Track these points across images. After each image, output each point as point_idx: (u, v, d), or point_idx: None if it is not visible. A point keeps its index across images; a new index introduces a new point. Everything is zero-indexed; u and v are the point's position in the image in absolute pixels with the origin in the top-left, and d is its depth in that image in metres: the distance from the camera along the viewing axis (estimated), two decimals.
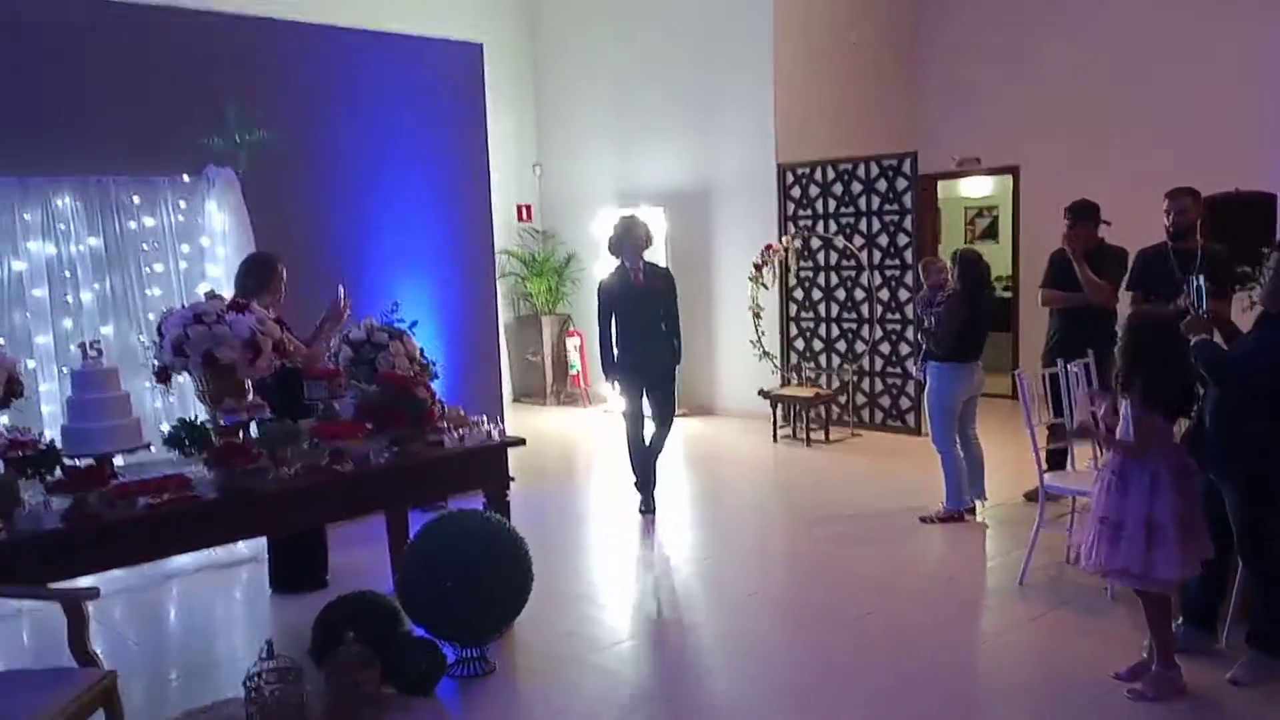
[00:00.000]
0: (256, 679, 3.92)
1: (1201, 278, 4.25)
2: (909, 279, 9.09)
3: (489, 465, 5.01)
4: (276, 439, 4.29)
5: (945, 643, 4.74)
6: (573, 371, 11.68)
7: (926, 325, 6.72)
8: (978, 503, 6.59)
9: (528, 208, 12.02)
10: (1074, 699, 4.06)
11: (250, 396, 4.48)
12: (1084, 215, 6.48)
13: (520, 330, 11.89)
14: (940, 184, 11.74)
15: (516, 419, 10.70)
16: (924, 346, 6.77)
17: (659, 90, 10.86)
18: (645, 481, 7.03)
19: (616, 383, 6.84)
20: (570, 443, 9.89)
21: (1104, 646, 4.42)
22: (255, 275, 5.32)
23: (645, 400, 6.91)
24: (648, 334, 6.73)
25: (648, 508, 6.96)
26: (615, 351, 6.74)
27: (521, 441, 5.19)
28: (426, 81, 7.37)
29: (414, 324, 5.37)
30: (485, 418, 5.14)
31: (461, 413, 5.18)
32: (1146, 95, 9.56)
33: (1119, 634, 4.29)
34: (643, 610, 5.38)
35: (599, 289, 6.84)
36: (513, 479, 5.15)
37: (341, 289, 5.50)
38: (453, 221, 7.51)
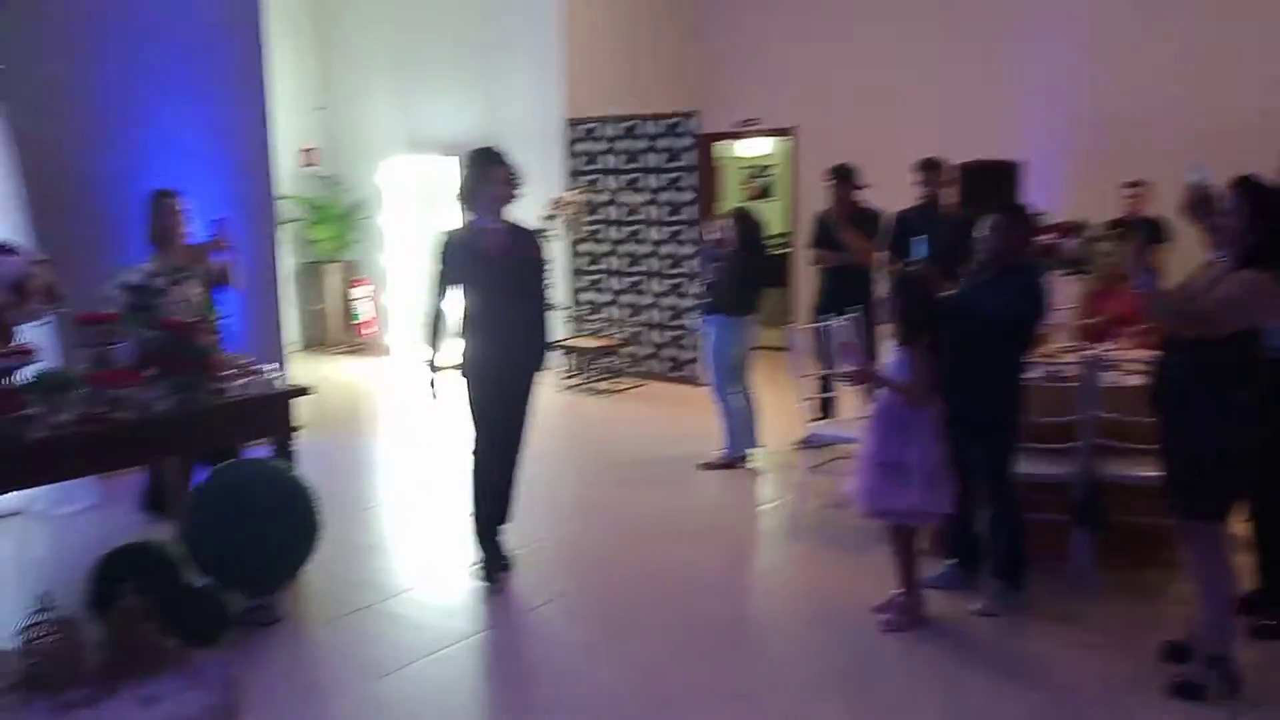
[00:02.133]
0: (31, 630, 3.83)
1: (923, 239, 4.72)
2: (691, 235, 9.40)
3: (273, 413, 4.97)
4: (49, 386, 4.14)
5: (719, 580, 5.06)
6: (356, 320, 11.48)
7: (707, 279, 7.01)
8: (750, 451, 6.96)
9: (313, 152, 11.69)
10: (836, 630, 4.42)
11: (16, 341, 4.30)
12: (843, 176, 6.93)
13: (306, 278, 11.60)
14: (719, 144, 12.12)
15: (304, 368, 10.48)
16: (706, 300, 7.06)
17: (448, 36, 10.73)
18: (492, 536, 5.07)
19: (466, 388, 4.88)
20: (358, 393, 9.78)
21: (867, 582, 4.79)
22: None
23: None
24: (507, 321, 4.74)
25: (494, 574, 4.99)
26: (462, 344, 4.83)
27: (305, 391, 5.16)
28: (202, 15, 7.09)
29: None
30: (267, 366, 5.08)
31: (246, 360, 5.10)
32: (917, 67, 10.11)
33: (881, 570, 4.67)
34: (432, 558, 5.46)
35: (438, 251, 4.77)
36: (299, 428, 5.12)
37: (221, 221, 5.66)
38: (231, 162, 7.28)
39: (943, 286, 4.65)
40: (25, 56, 5.73)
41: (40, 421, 4.09)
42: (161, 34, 6.79)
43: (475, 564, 5.02)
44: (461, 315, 4.79)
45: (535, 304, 4.90)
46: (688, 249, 9.47)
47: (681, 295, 9.64)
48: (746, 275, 6.72)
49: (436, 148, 10.66)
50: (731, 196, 13.67)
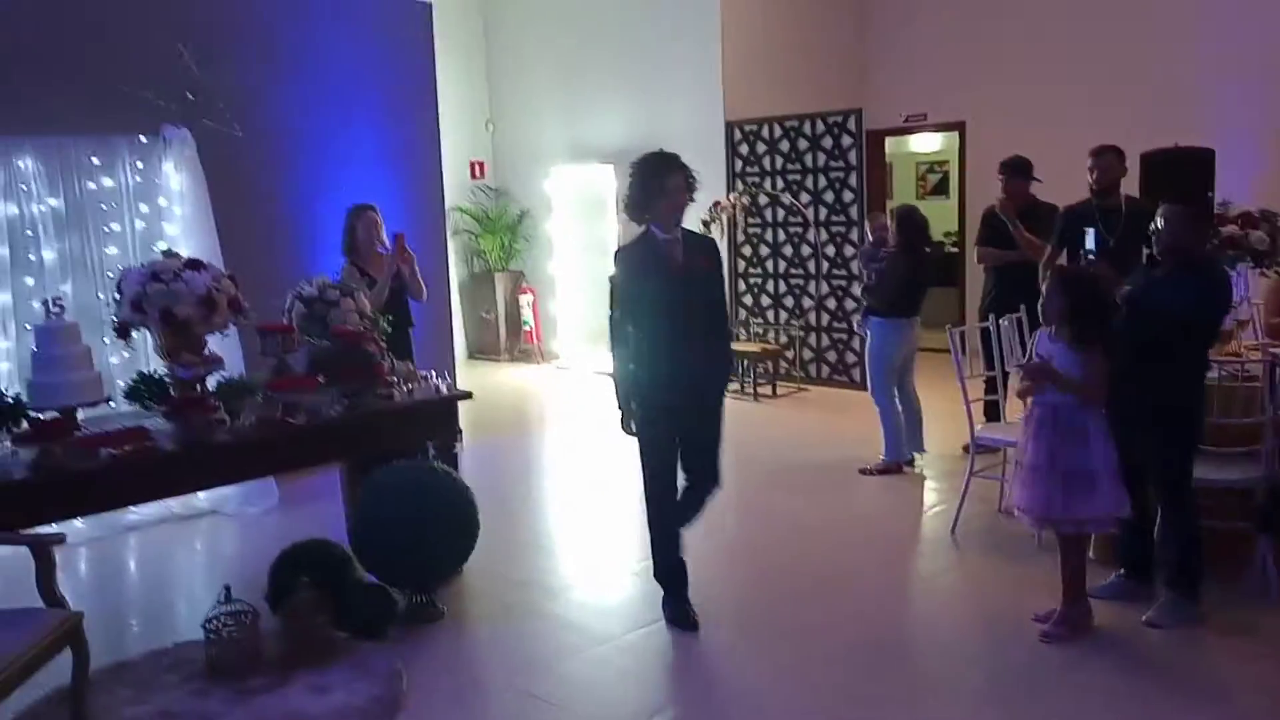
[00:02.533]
0: (215, 622, 4.11)
1: (1093, 230, 4.52)
2: (855, 235, 9.29)
3: (437, 418, 5.17)
4: (232, 392, 4.43)
5: (877, 586, 5.00)
6: (526, 328, 11.81)
7: (867, 281, 6.93)
8: (916, 455, 6.84)
9: (480, 165, 12.08)
10: (999, 639, 4.31)
11: (205, 351, 4.61)
12: (1017, 172, 6.68)
13: (474, 288, 11.99)
14: (892, 140, 11.96)
15: (471, 375, 10.85)
16: (865, 302, 6.98)
17: (609, 47, 10.93)
18: (677, 577, 4.59)
19: (635, 423, 4.41)
20: (523, 398, 10.07)
21: (1030, 590, 4.65)
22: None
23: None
24: (688, 342, 4.24)
25: (685, 618, 4.50)
26: (630, 370, 4.36)
27: (468, 395, 5.36)
28: (377, 40, 7.45)
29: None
30: (434, 373, 5.29)
31: (411, 367, 5.33)
32: (1090, 53, 9.76)
33: (1044, 579, 4.52)
34: (592, 558, 5.58)
35: (618, 270, 4.39)
36: (460, 432, 5.32)
37: (400, 235, 5.92)
38: (404, 179, 7.61)
39: (1115, 281, 4.46)
40: (212, 84, 6.13)
41: (224, 425, 4.38)
42: (338, 57, 7.15)
43: (668, 614, 4.55)
44: (630, 337, 4.31)
45: (718, 322, 4.49)
46: (850, 250, 9.36)
47: (844, 297, 9.54)
48: (908, 276, 6.61)
49: (598, 156, 10.87)
50: (905, 194, 13.47)
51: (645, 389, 4.29)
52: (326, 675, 4.08)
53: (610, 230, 10.81)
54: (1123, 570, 4.62)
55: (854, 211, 9.35)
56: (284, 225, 6.76)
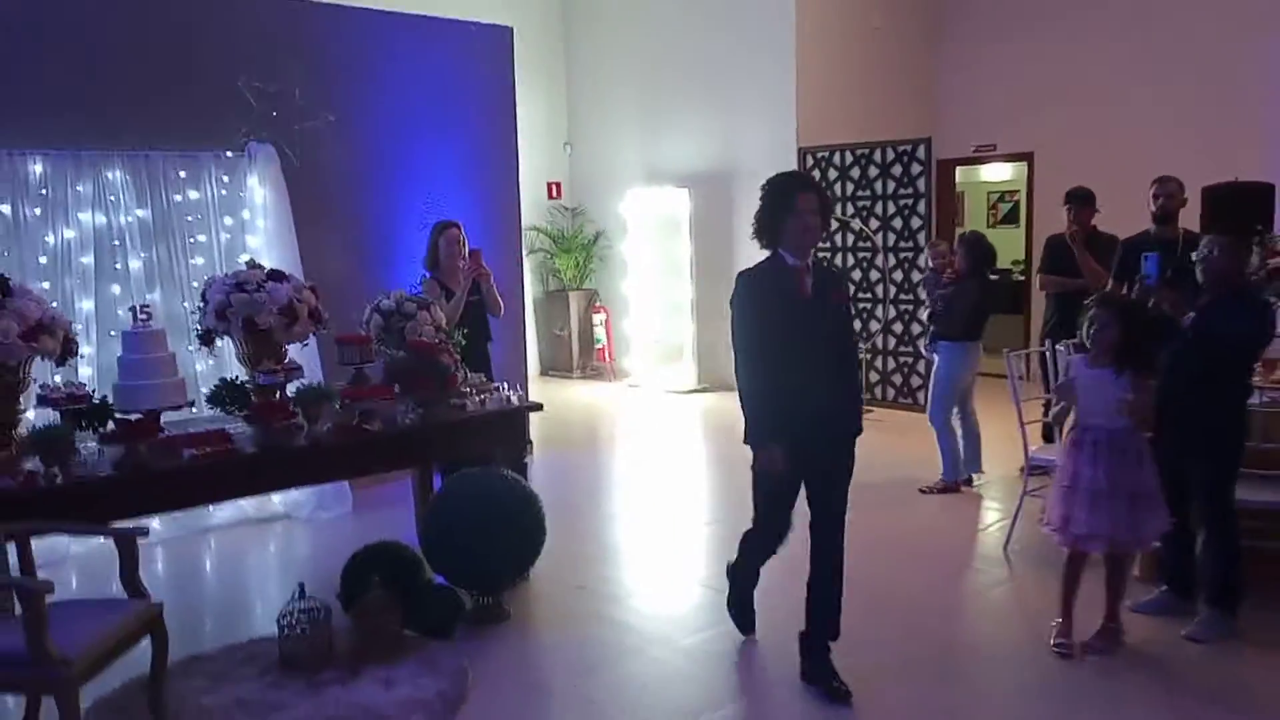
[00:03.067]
0: (289, 618, 4.30)
1: (1155, 256, 4.60)
2: (922, 261, 9.30)
3: (507, 428, 5.33)
4: (310, 399, 4.63)
5: (931, 600, 5.07)
6: (598, 346, 11.99)
7: (933, 306, 6.98)
8: (975, 475, 6.86)
9: (557, 185, 12.32)
10: (1045, 653, 4.36)
11: (286, 360, 4.82)
12: (1083, 202, 6.73)
13: (548, 305, 12.22)
14: (964, 169, 11.98)
15: (543, 391, 10.99)
16: (930, 327, 7.04)
17: (684, 72, 11.11)
18: (746, 613, 4.64)
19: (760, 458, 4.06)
20: (594, 414, 10.23)
21: (1078, 606, 4.66)
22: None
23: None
24: (817, 373, 3.94)
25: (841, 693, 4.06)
26: (752, 406, 4.02)
27: (539, 407, 5.52)
28: (458, 63, 7.68)
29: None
30: (505, 384, 5.46)
31: (484, 379, 5.51)
32: (1156, 85, 9.74)
33: (1087, 595, 4.55)
34: (655, 567, 5.71)
35: (740, 294, 4.01)
36: (530, 443, 5.48)
37: (477, 251, 6.17)
38: (482, 199, 7.83)
39: (1179, 309, 4.52)
40: (297, 105, 6.41)
41: (301, 430, 4.58)
42: (422, 79, 7.41)
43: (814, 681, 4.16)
44: (753, 369, 3.98)
45: (848, 355, 4.20)
46: (917, 275, 9.38)
47: (910, 321, 9.56)
48: (976, 301, 6.67)
49: (673, 180, 11.03)
50: (974, 221, 13.48)
51: (766, 422, 3.98)
52: (395, 671, 4.24)
53: (684, 252, 10.96)
54: (1165, 586, 4.71)
55: (922, 238, 9.39)
56: (366, 240, 7.00)
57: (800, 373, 3.90)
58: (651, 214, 11.28)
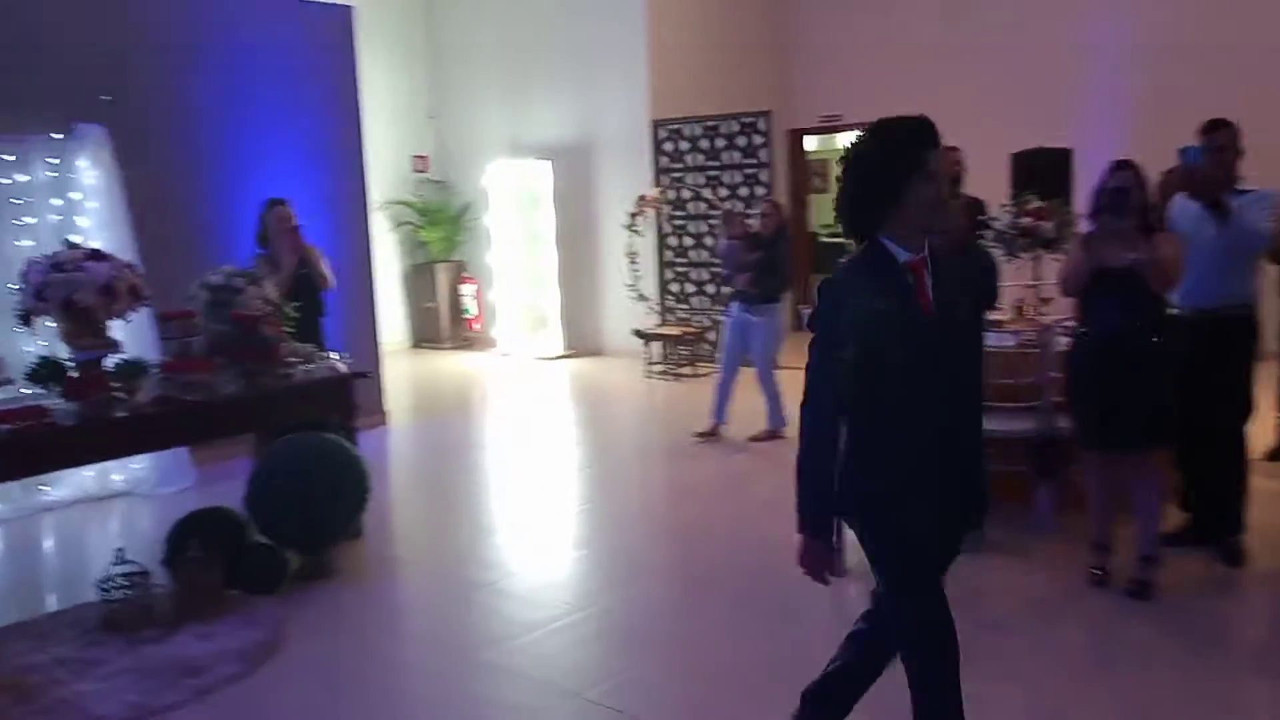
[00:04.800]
0: (109, 582, 4.51)
1: None
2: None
3: (334, 395, 5.54)
4: (128, 372, 4.81)
5: (759, 534, 5.49)
6: (468, 316, 12.21)
7: (747, 270, 7.34)
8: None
9: (424, 158, 12.44)
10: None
11: (106, 336, 4.98)
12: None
13: (417, 278, 12.38)
14: (824, 138, 12.43)
15: (414, 362, 11.35)
16: (751, 290, 7.36)
17: (546, 44, 11.33)
18: None
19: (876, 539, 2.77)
20: (463, 383, 10.50)
21: None
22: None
23: None
24: (952, 423, 2.71)
25: None
26: (853, 472, 2.69)
27: (364, 374, 5.80)
28: (299, 42, 7.82)
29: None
30: (334, 354, 5.68)
31: (313, 349, 5.72)
32: (983, 59, 10.29)
33: None
34: (494, 524, 6.07)
35: (823, 307, 2.67)
36: (358, 408, 5.72)
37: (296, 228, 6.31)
38: (330, 176, 7.99)
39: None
40: (128, 82, 6.51)
41: (122, 402, 4.76)
42: (258, 54, 7.53)
43: None
44: (824, 431, 2.68)
45: (979, 394, 2.91)
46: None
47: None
48: (782, 262, 7.26)
49: (536, 152, 11.28)
50: (836, 188, 13.91)
51: (884, 500, 2.67)
52: (214, 626, 4.48)
53: (547, 222, 11.21)
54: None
55: None
56: (206, 220, 7.13)
57: (929, 421, 2.64)
58: (516, 186, 11.51)
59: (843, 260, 2.77)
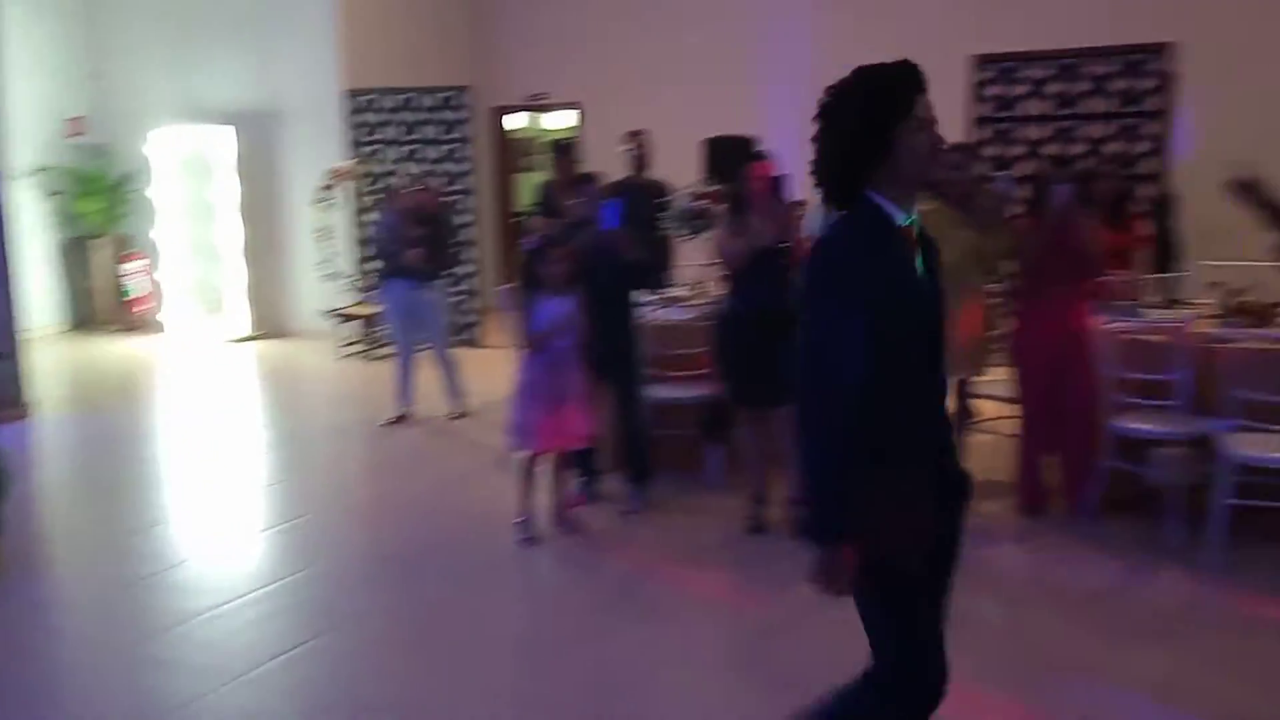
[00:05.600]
0: None
1: (614, 204, 5.34)
2: (472, 204, 9.56)
3: None
4: None
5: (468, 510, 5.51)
6: (131, 297, 11.03)
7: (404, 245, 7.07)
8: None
9: (78, 120, 11.12)
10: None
11: None
12: (560, 152, 7.24)
13: (73, 254, 11.07)
14: (535, 116, 12.23)
15: (74, 349, 10.19)
16: (408, 267, 7.07)
17: (223, 2, 10.48)
18: None
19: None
20: (129, 370, 9.47)
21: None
22: None
23: None
24: (940, 399, 2.55)
25: None
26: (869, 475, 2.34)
27: None
28: None
29: None
30: None
31: None
32: (681, 45, 10.38)
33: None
34: (171, 511, 5.69)
35: (833, 281, 2.35)
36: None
37: None
38: None
39: (632, 249, 5.25)
40: None
41: None
42: None
43: None
44: (848, 414, 2.31)
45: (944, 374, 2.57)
46: (467, 218, 9.56)
47: (463, 263, 9.66)
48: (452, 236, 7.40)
49: (215, 117, 10.40)
50: (543, 166, 13.69)
51: (892, 487, 2.35)
52: None
53: (229, 193, 10.36)
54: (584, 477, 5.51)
55: (470, 182, 9.65)
56: None
57: (930, 399, 2.47)
58: (188, 153, 10.54)
59: (833, 222, 2.43)
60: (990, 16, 8.93)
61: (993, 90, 7.62)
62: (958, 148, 5.34)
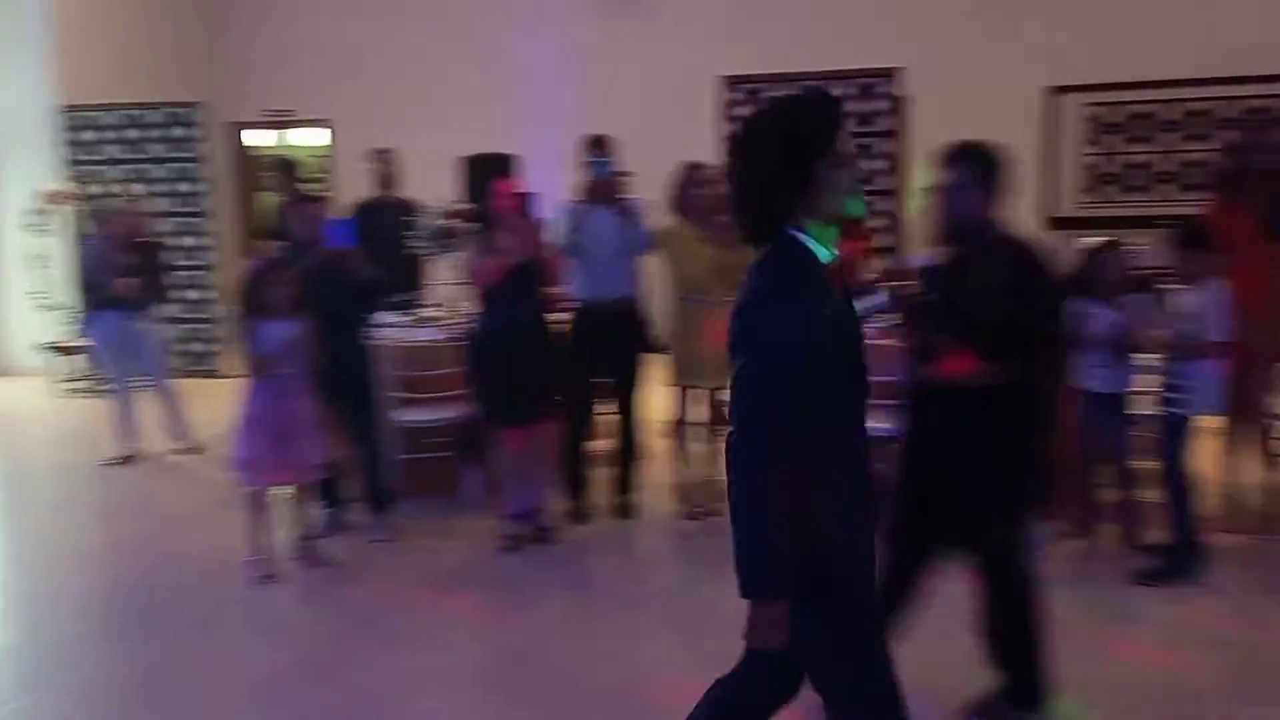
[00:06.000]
0: None
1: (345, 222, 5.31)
2: (207, 226, 9.14)
3: None
4: None
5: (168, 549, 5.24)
6: None
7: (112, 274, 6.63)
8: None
9: None
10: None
11: None
12: (284, 170, 7.32)
13: None
14: (279, 133, 11.65)
15: None
16: (120, 297, 6.62)
17: None
18: None
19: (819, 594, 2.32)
20: None
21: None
22: None
23: None
24: (863, 435, 2.44)
25: None
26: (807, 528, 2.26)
27: None
28: None
29: None
30: None
31: None
32: (437, 64, 10.18)
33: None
34: None
35: (776, 334, 2.21)
36: None
37: None
38: None
39: (363, 268, 5.08)
40: None
41: None
42: None
43: None
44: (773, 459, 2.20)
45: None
46: (207, 240, 9.14)
47: (200, 288, 9.18)
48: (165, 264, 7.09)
49: None
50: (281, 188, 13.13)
51: (831, 531, 2.28)
52: None
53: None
54: (329, 507, 5.33)
55: (206, 203, 9.20)
56: None
57: (856, 436, 2.39)
58: None
59: (759, 263, 2.28)
60: (740, 39, 9.09)
61: (741, 111, 7.74)
62: (699, 166, 5.38)
